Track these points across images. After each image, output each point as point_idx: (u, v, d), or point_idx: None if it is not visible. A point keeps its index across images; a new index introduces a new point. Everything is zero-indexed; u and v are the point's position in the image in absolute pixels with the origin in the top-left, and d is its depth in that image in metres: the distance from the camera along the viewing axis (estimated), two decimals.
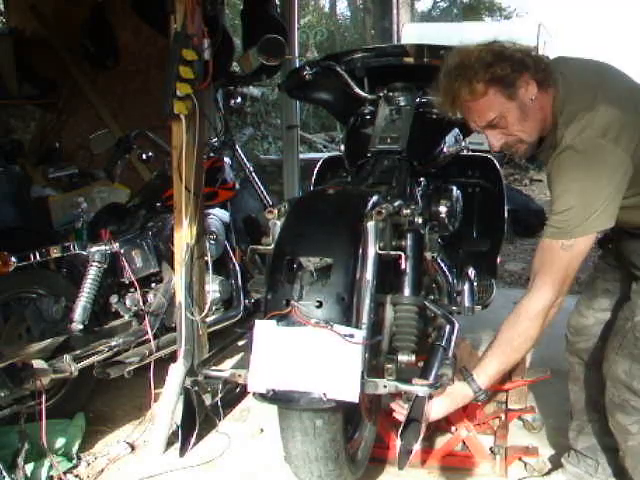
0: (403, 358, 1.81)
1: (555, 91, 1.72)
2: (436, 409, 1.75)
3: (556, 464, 2.24)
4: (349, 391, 1.59)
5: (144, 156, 3.13)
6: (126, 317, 2.76)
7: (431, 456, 2.29)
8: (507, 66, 1.66)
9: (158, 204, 3.00)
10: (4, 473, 2.12)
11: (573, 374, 2.13)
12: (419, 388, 1.67)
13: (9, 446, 2.23)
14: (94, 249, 2.69)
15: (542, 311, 1.69)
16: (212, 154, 3.24)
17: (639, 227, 1.80)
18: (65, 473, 2.29)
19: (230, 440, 2.46)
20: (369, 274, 1.72)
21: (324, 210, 1.82)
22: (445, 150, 2.43)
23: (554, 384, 2.48)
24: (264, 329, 1.65)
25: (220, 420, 2.49)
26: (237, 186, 3.36)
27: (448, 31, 9.89)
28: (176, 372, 2.46)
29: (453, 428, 2.32)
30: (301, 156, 4.98)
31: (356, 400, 1.60)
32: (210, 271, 2.59)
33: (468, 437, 2.29)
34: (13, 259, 2.41)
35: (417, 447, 1.71)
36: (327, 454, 1.75)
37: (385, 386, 1.67)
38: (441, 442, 2.36)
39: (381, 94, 2.37)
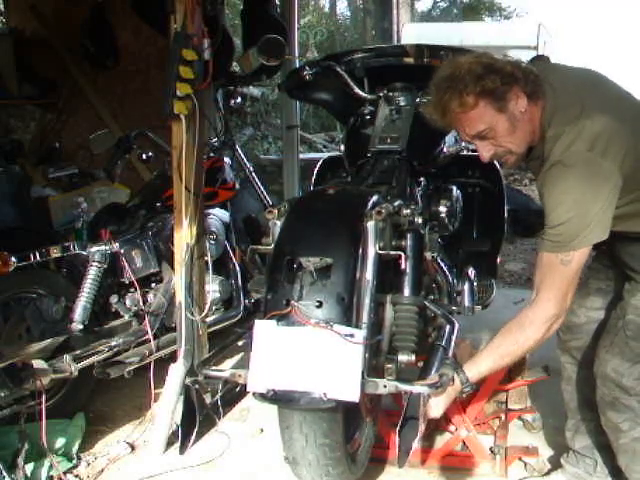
0: (403, 358, 1.81)
1: (544, 103, 1.73)
2: (435, 406, 1.76)
3: (556, 464, 2.24)
4: (349, 391, 1.59)
5: (144, 156, 3.13)
6: (126, 317, 2.76)
7: (431, 456, 2.30)
8: (497, 79, 1.67)
9: (158, 204, 3.00)
10: (4, 473, 2.12)
11: (566, 374, 2.15)
12: (419, 388, 1.67)
13: (9, 446, 2.23)
14: (94, 249, 2.69)
15: (544, 324, 1.71)
16: (212, 154, 3.24)
17: (633, 232, 1.81)
18: (65, 473, 2.29)
19: (230, 440, 2.46)
20: (369, 274, 1.72)
21: (324, 210, 1.83)
22: (445, 150, 2.43)
23: (554, 384, 2.48)
24: (264, 329, 1.65)
25: (220, 419, 2.49)
26: (237, 186, 3.35)
27: (448, 31, 9.90)
28: (176, 372, 2.46)
29: (453, 428, 2.32)
30: (301, 156, 4.98)
31: (356, 400, 1.60)
32: (210, 271, 2.59)
33: (468, 437, 2.29)
34: (13, 259, 2.41)
35: (416, 445, 1.71)
36: (327, 454, 1.75)
37: (385, 386, 1.66)
38: (441, 442, 2.36)
39: (381, 94, 2.37)
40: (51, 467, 2.26)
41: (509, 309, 3.92)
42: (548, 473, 2.23)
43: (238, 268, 3.16)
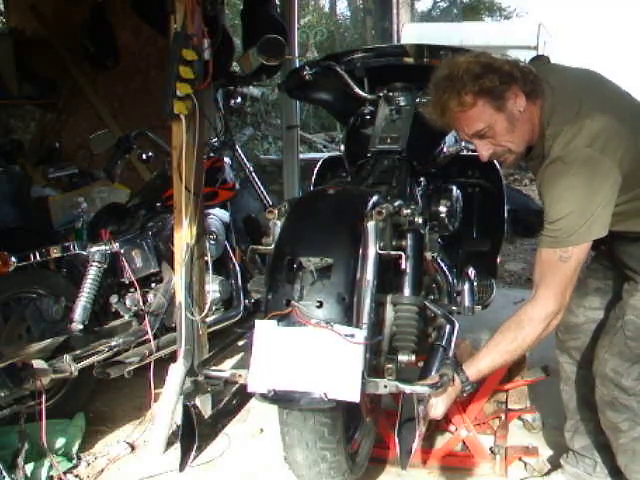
0: (403, 358, 1.81)
1: (542, 102, 1.73)
2: (436, 406, 1.76)
3: (556, 464, 2.24)
4: (350, 391, 1.59)
5: (144, 156, 3.13)
6: (126, 317, 2.77)
7: (431, 456, 2.30)
8: (495, 78, 1.68)
9: (158, 204, 3.00)
10: (4, 473, 2.12)
11: (564, 374, 2.15)
12: (419, 388, 1.67)
13: (9, 446, 2.23)
14: (94, 249, 2.69)
15: (543, 321, 1.71)
16: (212, 154, 3.24)
17: (632, 232, 1.81)
18: (65, 473, 2.29)
19: (230, 440, 2.46)
20: (369, 274, 1.72)
21: (324, 210, 1.82)
22: (445, 150, 2.43)
23: (554, 384, 2.48)
24: (264, 329, 1.65)
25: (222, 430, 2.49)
26: (237, 186, 3.35)
27: (448, 31, 9.91)
28: (176, 372, 2.46)
29: (453, 428, 2.32)
30: (301, 156, 4.98)
31: (357, 400, 1.60)
32: (210, 271, 2.59)
33: (468, 437, 2.30)
34: (13, 259, 2.41)
35: (416, 446, 1.71)
36: (327, 454, 1.75)
37: (385, 386, 1.66)
38: (441, 442, 2.36)
39: (381, 94, 2.37)
40: (51, 467, 2.27)
41: (509, 309, 3.89)
42: (548, 473, 2.24)
43: (238, 268, 3.16)
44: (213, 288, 2.88)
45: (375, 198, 1.84)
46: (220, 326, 2.99)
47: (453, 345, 1.93)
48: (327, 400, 1.59)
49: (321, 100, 2.76)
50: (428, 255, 2.11)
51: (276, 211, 1.81)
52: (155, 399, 2.55)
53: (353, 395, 1.59)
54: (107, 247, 2.71)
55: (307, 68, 2.46)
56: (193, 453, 1.96)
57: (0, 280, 2.44)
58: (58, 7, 5.09)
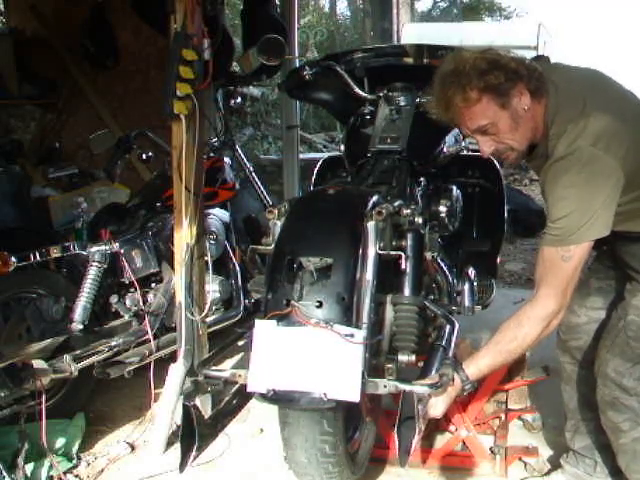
0: (403, 358, 1.81)
1: (547, 101, 1.73)
2: (436, 405, 1.75)
3: (556, 464, 2.24)
4: (350, 391, 1.59)
5: (144, 156, 3.13)
6: (126, 317, 2.76)
7: (431, 456, 2.30)
8: (501, 75, 1.67)
9: (158, 204, 3.00)
10: (4, 473, 2.12)
11: (565, 374, 2.14)
12: (420, 388, 1.67)
13: (9, 446, 2.23)
14: (94, 249, 2.69)
15: (544, 320, 1.70)
16: (212, 154, 3.24)
17: (634, 232, 1.81)
18: (65, 473, 2.29)
19: (230, 440, 2.46)
20: (369, 274, 1.72)
21: (324, 210, 1.82)
22: (445, 150, 2.43)
23: (554, 384, 2.48)
24: (264, 329, 1.65)
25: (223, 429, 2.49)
26: (237, 186, 3.35)
27: (448, 31, 9.89)
28: (176, 372, 2.46)
29: (453, 428, 2.32)
30: (301, 156, 4.97)
31: (357, 400, 1.60)
32: (210, 271, 2.58)
33: (468, 437, 2.29)
34: (13, 259, 2.41)
35: (415, 445, 1.71)
36: (327, 454, 1.75)
37: (385, 386, 1.67)
38: (441, 442, 2.36)
39: (381, 94, 2.37)
40: (51, 467, 2.26)
41: (509, 309, 3.89)
42: (548, 473, 2.23)
43: (238, 268, 3.16)
44: (213, 288, 2.88)
45: (375, 198, 1.84)
46: (220, 326, 2.99)
47: (453, 345, 1.93)
48: (327, 400, 1.59)
49: (321, 100, 2.76)
50: (428, 255, 2.11)
51: (276, 211, 1.81)
52: (155, 399, 2.55)
53: (353, 395, 1.59)
54: (107, 247, 2.71)
55: (307, 68, 2.46)
56: (193, 453, 1.97)
57: (0, 280, 2.44)
58: (58, 7, 5.09)
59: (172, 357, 2.59)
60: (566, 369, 2.14)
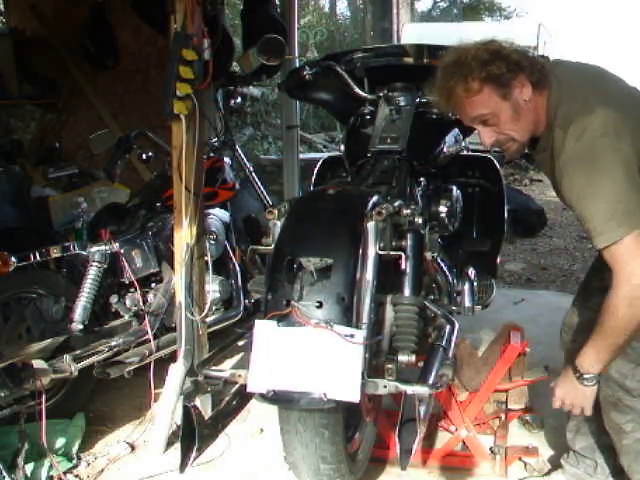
0: (403, 358, 1.81)
1: (549, 93, 1.73)
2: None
3: (556, 464, 2.24)
4: (349, 391, 1.59)
5: (144, 156, 3.13)
6: (126, 317, 2.76)
7: (431, 456, 2.30)
8: (503, 65, 1.68)
9: (158, 204, 3.00)
10: (4, 473, 2.12)
11: None
12: (419, 388, 1.67)
13: (9, 446, 2.23)
14: (94, 249, 2.69)
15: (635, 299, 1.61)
16: (212, 154, 3.23)
17: None
18: (65, 473, 2.29)
19: (230, 440, 2.46)
20: (369, 274, 1.72)
21: (324, 210, 1.82)
22: (445, 150, 2.43)
23: None
24: (264, 329, 1.65)
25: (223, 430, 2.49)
26: (237, 186, 3.35)
27: (448, 31, 9.89)
28: (176, 372, 2.46)
29: (453, 428, 2.32)
30: (301, 156, 4.97)
31: (356, 400, 1.60)
32: (210, 271, 2.58)
33: (468, 437, 2.29)
34: (13, 259, 2.41)
35: (416, 447, 1.71)
36: (327, 454, 1.75)
37: (385, 386, 1.67)
38: (441, 442, 2.36)
39: (381, 94, 2.37)
40: (51, 467, 2.26)
41: (509, 309, 3.93)
42: (548, 473, 2.23)
43: (238, 268, 3.16)
44: (213, 288, 2.88)
45: (375, 198, 1.84)
46: (220, 326, 2.98)
47: (453, 345, 1.93)
48: (327, 400, 1.59)
49: (321, 100, 2.76)
50: (428, 255, 2.11)
51: (276, 211, 1.81)
52: (155, 399, 2.55)
53: (353, 395, 1.59)
54: (107, 247, 2.71)
55: (307, 68, 2.46)
56: (193, 454, 1.98)
57: (0, 280, 2.44)
58: (58, 7, 5.09)
59: (172, 357, 2.59)
60: None
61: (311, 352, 1.60)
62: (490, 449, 2.32)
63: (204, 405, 2.51)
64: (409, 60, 2.42)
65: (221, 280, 3.03)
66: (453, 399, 2.32)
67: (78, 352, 2.47)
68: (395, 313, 1.92)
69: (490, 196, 2.65)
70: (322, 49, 11.22)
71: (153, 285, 2.91)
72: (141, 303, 2.77)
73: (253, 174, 3.48)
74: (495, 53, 1.69)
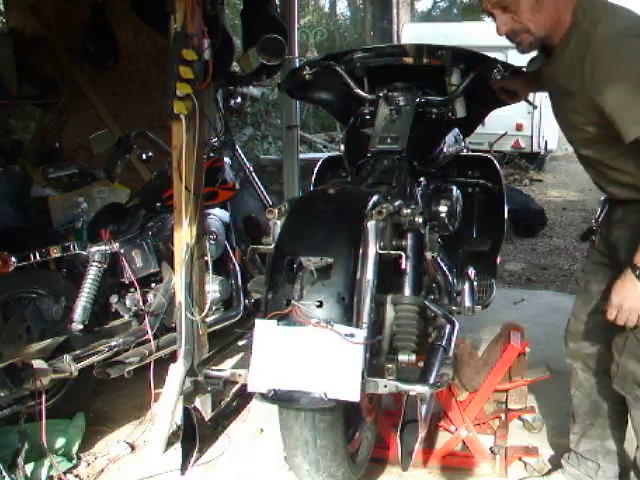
0: (403, 358, 1.81)
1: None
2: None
3: (556, 464, 2.24)
4: (350, 391, 1.59)
5: (144, 156, 3.13)
6: (126, 317, 2.77)
7: (431, 456, 2.30)
8: None
9: (158, 204, 3.00)
10: (4, 473, 2.12)
11: (576, 379, 2.11)
12: (419, 388, 1.67)
13: (9, 446, 2.23)
14: (94, 249, 2.69)
15: None
16: (212, 154, 3.23)
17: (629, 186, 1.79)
18: (65, 473, 2.29)
19: (230, 440, 2.46)
20: (369, 274, 1.72)
21: (324, 210, 1.82)
22: (445, 150, 2.42)
23: (554, 384, 2.48)
24: (264, 329, 1.65)
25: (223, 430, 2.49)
26: (237, 186, 3.35)
27: (448, 31, 9.90)
28: (176, 372, 2.46)
29: (453, 428, 2.32)
30: (301, 156, 4.98)
31: (357, 400, 1.60)
32: (210, 271, 2.59)
33: (468, 437, 2.30)
34: (13, 259, 2.41)
35: (417, 447, 1.71)
36: (327, 454, 1.75)
37: (385, 386, 1.67)
38: (441, 442, 2.36)
39: (381, 94, 2.37)
40: (51, 467, 2.26)
41: (509, 309, 3.94)
42: (548, 473, 2.24)
43: (238, 268, 3.16)
44: (213, 288, 2.88)
45: (375, 198, 1.84)
46: (220, 326, 2.99)
47: (453, 345, 1.93)
48: (327, 400, 1.59)
49: (321, 100, 2.76)
50: (428, 255, 2.11)
51: (276, 211, 1.81)
52: (155, 399, 2.55)
53: (353, 395, 1.59)
54: (107, 247, 2.71)
55: (307, 68, 2.46)
56: (194, 456, 1.98)
57: (0, 280, 2.44)
58: (58, 7, 5.09)
59: (172, 357, 2.59)
60: (578, 376, 2.10)
61: (311, 352, 1.60)
62: (490, 449, 2.32)
63: (204, 405, 2.51)
64: (409, 60, 2.42)
65: (221, 280, 3.03)
66: (453, 399, 2.32)
67: (78, 352, 2.47)
68: (395, 313, 1.92)
69: (490, 196, 2.65)
70: (322, 49, 11.23)
71: (153, 285, 2.91)
72: (141, 303, 2.77)
73: (253, 174, 3.48)
74: None
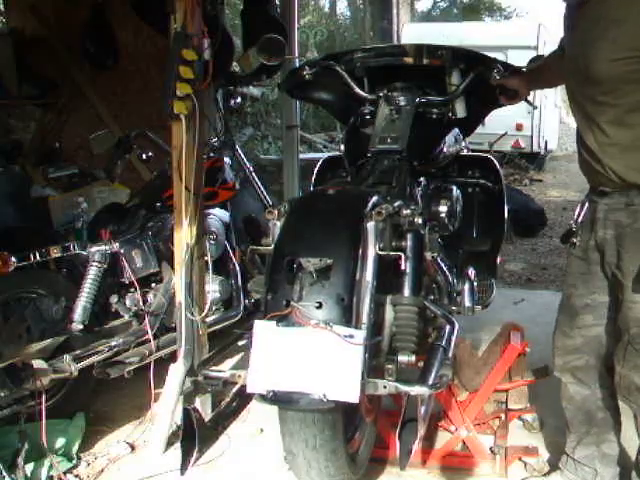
0: (403, 358, 1.81)
1: None
2: None
3: (556, 464, 2.24)
4: (349, 392, 1.58)
5: (144, 156, 3.13)
6: (126, 317, 2.77)
7: (431, 456, 2.30)
8: None
9: (158, 204, 3.00)
10: (4, 473, 2.12)
11: (567, 394, 2.11)
12: (419, 389, 1.67)
13: (9, 446, 2.23)
14: (94, 249, 2.69)
15: None
16: (212, 154, 3.23)
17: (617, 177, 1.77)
18: (65, 473, 2.29)
19: (230, 440, 2.46)
20: (369, 274, 1.72)
21: (324, 210, 1.82)
22: (445, 150, 2.42)
23: (554, 384, 2.48)
24: (264, 330, 1.65)
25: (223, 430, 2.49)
26: (237, 186, 3.35)
27: (448, 31, 9.89)
28: (176, 372, 2.46)
29: (453, 428, 2.32)
30: (301, 156, 4.98)
31: (356, 401, 1.59)
32: (210, 271, 2.59)
33: (468, 437, 2.30)
34: (13, 259, 2.41)
35: (416, 447, 1.71)
36: (327, 455, 1.75)
37: (385, 386, 1.67)
38: (441, 442, 2.36)
39: (381, 94, 2.37)
40: (51, 467, 2.26)
41: (509, 309, 3.93)
42: (548, 473, 2.23)
43: (238, 268, 3.16)
44: (213, 288, 2.88)
45: (375, 198, 1.84)
46: (220, 326, 2.99)
47: (453, 345, 1.93)
48: (326, 401, 1.59)
49: (321, 100, 2.76)
50: (428, 255, 2.10)
51: (276, 211, 1.81)
52: (155, 399, 2.55)
53: (352, 396, 1.59)
54: (107, 247, 2.71)
55: (307, 68, 2.46)
56: (194, 456, 1.98)
57: (0, 280, 2.44)
58: (58, 7, 5.09)
59: (172, 357, 2.59)
60: (569, 390, 2.09)
61: (311, 353, 1.60)
62: (490, 449, 2.32)
63: (204, 406, 2.51)
64: (409, 60, 2.42)
65: (221, 280, 3.03)
66: (453, 399, 2.32)
67: (78, 352, 2.47)
68: (395, 313, 1.92)
69: (490, 196, 2.65)
70: (322, 49, 11.23)
71: (153, 285, 2.91)
72: (141, 303, 2.77)
73: (253, 174, 3.48)
74: None
